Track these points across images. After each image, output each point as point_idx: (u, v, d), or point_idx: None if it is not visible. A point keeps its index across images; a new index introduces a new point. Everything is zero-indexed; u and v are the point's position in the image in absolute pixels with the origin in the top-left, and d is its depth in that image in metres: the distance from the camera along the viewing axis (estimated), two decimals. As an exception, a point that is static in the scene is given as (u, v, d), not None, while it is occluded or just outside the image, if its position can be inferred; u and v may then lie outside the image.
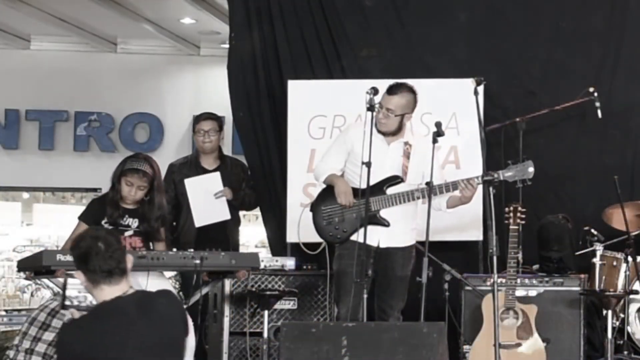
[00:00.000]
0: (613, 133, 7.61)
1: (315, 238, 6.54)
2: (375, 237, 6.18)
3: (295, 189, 7.46)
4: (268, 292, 6.56)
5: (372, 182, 6.05)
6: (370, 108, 6.04)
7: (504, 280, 6.41)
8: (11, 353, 6.26)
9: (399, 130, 6.27)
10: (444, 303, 6.53)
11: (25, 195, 11.88)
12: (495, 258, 5.77)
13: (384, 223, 6.21)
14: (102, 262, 3.99)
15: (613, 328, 6.56)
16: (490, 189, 5.92)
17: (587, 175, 7.62)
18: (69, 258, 5.56)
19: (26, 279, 5.98)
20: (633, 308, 6.95)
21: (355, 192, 6.21)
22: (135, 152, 6.99)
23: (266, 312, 6.49)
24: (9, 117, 11.18)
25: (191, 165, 7.48)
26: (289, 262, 6.95)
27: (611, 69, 7.66)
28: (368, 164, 5.95)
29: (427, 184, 6.06)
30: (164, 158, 7.57)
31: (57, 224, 11.36)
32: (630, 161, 7.60)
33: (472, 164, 6.66)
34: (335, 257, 6.40)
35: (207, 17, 9.90)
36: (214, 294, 6.89)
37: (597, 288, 6.81)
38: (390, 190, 6.23)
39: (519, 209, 6.43)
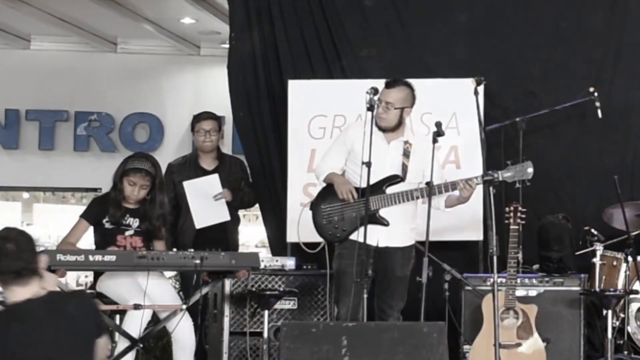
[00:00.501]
0: (613, 133, 7.61)
1: (315, 237, 6.54)
2: (375, 236, 6.17)
3: (295, 189, 7.47)
4: (268, 292, 6.55)
5: (372, 181, 6.05)
6: (370, 108, 6.05)
7: (504, 280, 6.41)
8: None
9: (398, 125, 6.28)
10: (444, 303, 6.53)
11: (25, 195, 11.89)
12: (495, 258, 5.77)
13: (383, 222, 6.21)
14: (11, 263, 3.96)
15: (613, 328, 6.55)
16: (490, 189, 5.92)
17: (587, 175, 7.62)
18: (69, 258, 5.61)
19: (26, 278, 5.96)
20: (633, 308, 6.95)
21: (355, 191, 6.21)
22: (136, 152, 6.99)
23: (266, 312, 6.49)
24: (9, 117, 11.18)
25: (190, 166, 7.47)
26: (289, 262, 6.95)
27: (611, 69, 7.66)
28: (368, 164, 5.95)
29: (427, 183, 6.07)
30: (164, 158, 7.55)
31: (57, 224, 11.36)
32: (630, 161, 7.60)
33: (472, 164, 6.67)
34: (335, 257, 6.40)
35: (207, 17, 9.90)
36: (214, 294, 6.89)
37: (597, 288, 6.81)
38: (390, 190, 6.23)
39: (519, 209, 6.43)
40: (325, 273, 6.81)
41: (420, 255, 5.96)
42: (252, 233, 10.58)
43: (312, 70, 7.90)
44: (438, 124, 6.06)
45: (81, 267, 5.91)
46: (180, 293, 7.35)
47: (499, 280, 5.99)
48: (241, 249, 8.28)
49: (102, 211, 6.26)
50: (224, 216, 7.32)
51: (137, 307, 5.83)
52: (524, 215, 6.44)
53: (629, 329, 6.87)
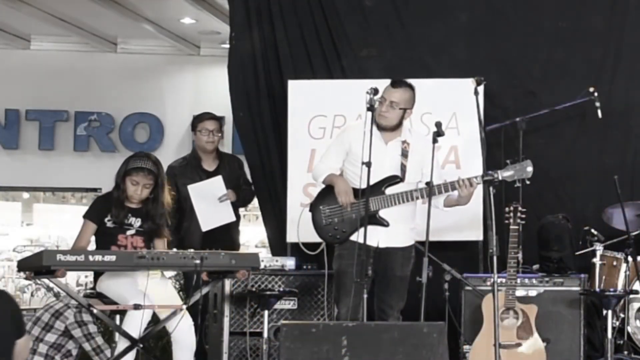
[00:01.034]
0: (613, 133, 7.62)
1: (315, 238, 6.54)
2: (375, 237, 6.17)
3: (295, 189, 7.47)
4: (268, 292, 6.56)
5: (371, 182, 6.05)
6: (370, 108, 6.05)
7: (504, 280, 6.41)
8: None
9: (398, 126, 6.28)
10: (444, 303, 6.53)
11: (25, 195, 11.88)
12: (495, 258, 5.77)
13: (383, 223, 6.21)
14: None
15: (613, 328, 6.56)
16: (490, 188, 5.93)
17: (587, 175, 7.62)
18: (70, 258, 5.60)
19: (26, 279, 5.98)
20: (633, 308, 6.95)
21: (355, 192, 6.21)
22: (137, 151, 6.99)
23: (266, 312, 6.49)
24: (9, 117, 11.17)
25: (192, 167, 7.45)
26: (289, 262, 6.95)
27: (611, 69, 7.66)
28: (368, 164, 5.95)
29: (427, 184, 6.07)
30: (164, 158, 7.52)
31: (57, 224, 11.37)
32: (630, 161, 7.60)
33: (472, 164, 6.67)
34: (335, 257, 6.40)
35: (207, 17, 9.90)
36: (214, 294, 6.90)
37: (597, 288, 6.81)
38: (389, 190, 6.23)
39: (519, 209, 6.43)
40: (325, 273, 6.81)
41: (420, 255, 5.96)
42: (252, 233, 10.58)
43: (312, 70, 7.90)
44: (438, 124, 6.06)
45: (81, 267, 5.90)
46: (181, 293, 7.35)
47: (499, 280, 5.98)
48: (241, 249, 8.27)
49: (105, 210, 6.26)
50: (230, 217, 7.34)
51: (137, 307, 5.82)
52: (524, 215, 6.44)
53: (629, 329, 6.87)
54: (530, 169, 6.16)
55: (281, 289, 6.73)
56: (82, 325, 6.29)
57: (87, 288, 6.45)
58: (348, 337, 5.21)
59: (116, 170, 6.32)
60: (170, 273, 7.43)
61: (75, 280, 10.73)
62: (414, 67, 7.64)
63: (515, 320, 6.45)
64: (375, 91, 6.07)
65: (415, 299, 6.00)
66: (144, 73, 11.25)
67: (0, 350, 3.99)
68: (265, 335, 6.46)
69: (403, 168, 6.25)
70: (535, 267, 7.05)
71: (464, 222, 7.12)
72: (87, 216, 6.29)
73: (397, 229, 6.26)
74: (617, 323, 6.75)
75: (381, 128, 6.25)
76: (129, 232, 6.24)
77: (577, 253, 7.05)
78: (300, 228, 6.66)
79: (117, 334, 6.03)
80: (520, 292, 6.58)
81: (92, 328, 6.33)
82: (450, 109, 7.32)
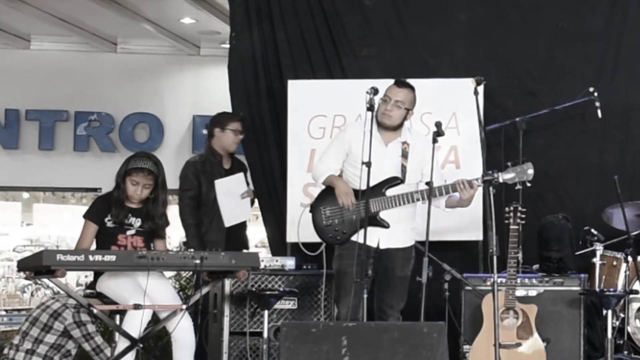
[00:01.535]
0: (613, 133, 7.62)
1: (315, 238, 6.54)
2: (375, 238, 6.18)
3: (295, 189, 7.47)
4: (268, 292, 6.56)
5: (371, 184, 6.05)
6: (370, 108, 6.05)
7: (504, 280, 6.41)
8: (11, 353, 6.27)
9: (399, 126, 6.28)
10: (444, 303, 6.53)
11: (25, 195, 11.90)
12: (495, 258, 5.77)
13: (383, 224, 6.21)
14: None
15: (613, 328, 6.55)
16: (490, 189, 5.93)
17: (587, 175, 7.62)
18: (70, 258, 5.60)
19: (26, 279, 5.99)
20: (633, 308, 6.95)
21: (355, 193, 6.21)
22: (138, 151, 6.99)
23: (266, 312, 6.50)
24: (9, 117, 11.18)
25: (212, 165, 7.35)
26: (289, 262, 6.95)
27: (611, 69, 7.66)
28: (368, 164, 5.95)
29: (427, 184, 6.07)
30: (164, 158, 7.50)
31: (57, 224, 11.39)
32: (630, 161, 7.60)
33: (472, 164, 6.67)
34: (335, 257, 6.40)
35: (207, 17, 9.90)
36: (214, 294, 6.90)
37: (597, 288, 6.81)
38: (390, 192, 6.23)
39: (519, 209, 6.42)
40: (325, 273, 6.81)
41: (420, 255, 5.96)
42: (252, 233, 10.57)
43: (312, 70, 7.90)
44: (438, 124, 6.06)
45: (81, 267, 5.90)
46: (181, 293, 7.36)
47: (499, 280, 5.98)
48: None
49: (105, 210, 6.26)
50: (247, 214, 7.39)
51: (137, 307, 5.82)
52: (523, 215, 6.44)
53: (629, 328, 6.87)
54: (531, 171, 6.16)
55: (281, 289, 6.73)
56: (80, 326, 6.28)
57: (86, 288, 6.44)
58: (348, 337, 5.22)
59: (116, 170, 6.31)
60: (170, 273, 7.42)
61: (76, 280, 10.75)
62: (414, 67, 7.64)
63: (515, 320, 6.44)
64: (375, 91, 6.08)
65: (415, 299, 6.00)
66: (144, 73, 11.26)
67: None
68: (265, 335, 6.47)
69: (403, 169, 6.25)
70: (535, 267, 7.05)
71: (464, 222, 7.12)
72: (87, 216, 6.28)
73: (397, 230, 6.26)
74: (617, 323, 6.75)
75: (383, 127, 6.24)
76: (129, 232, 6.25)
77: (577, 253, 7.05)
78: (300, 228, 6.66)
79: (117, 334, 6.03)
80: (520, 292, 6.58)
81: (91, 328, 6.33)
82: (450, 109, 7.32)
